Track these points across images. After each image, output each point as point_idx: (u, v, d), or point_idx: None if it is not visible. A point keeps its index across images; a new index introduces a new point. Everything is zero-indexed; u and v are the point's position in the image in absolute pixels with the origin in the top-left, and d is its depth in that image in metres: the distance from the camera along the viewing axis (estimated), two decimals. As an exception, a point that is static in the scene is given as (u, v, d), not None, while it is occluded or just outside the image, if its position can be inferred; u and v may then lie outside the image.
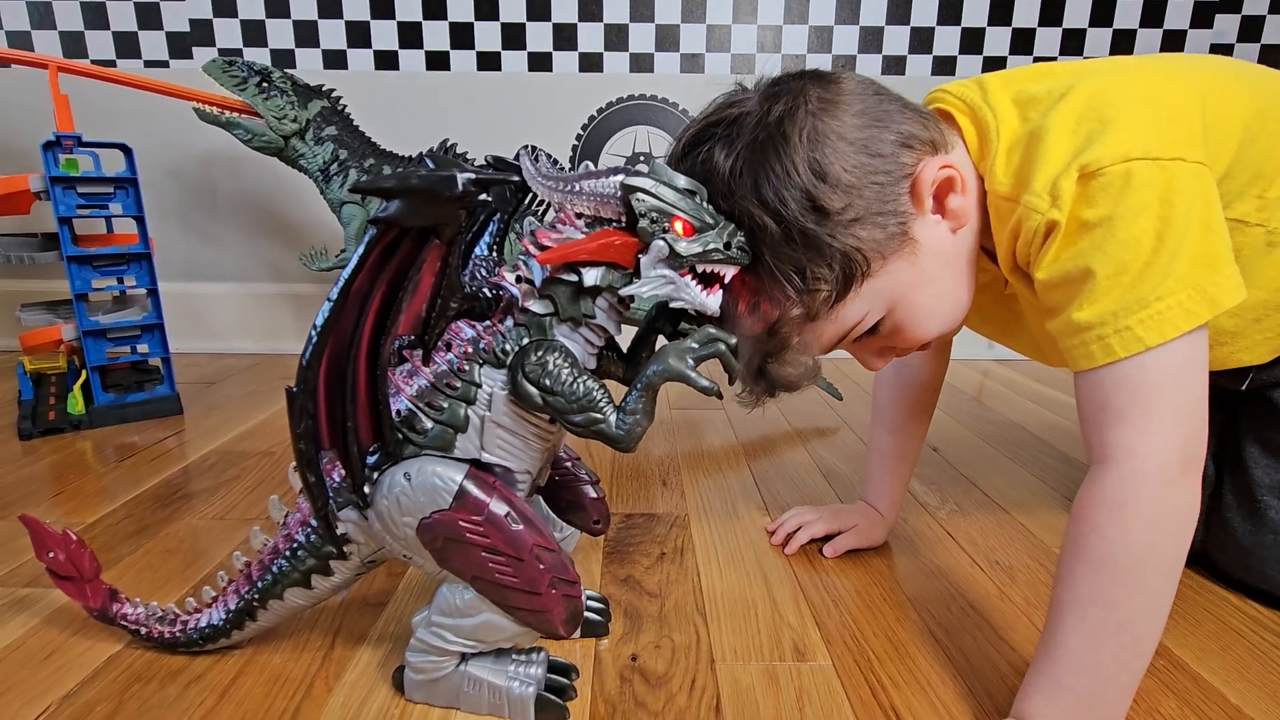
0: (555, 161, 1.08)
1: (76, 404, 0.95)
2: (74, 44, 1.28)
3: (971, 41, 1.31)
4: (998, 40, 1.31)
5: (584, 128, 1.34)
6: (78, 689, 0.45)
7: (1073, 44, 1.31)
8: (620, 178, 0.38)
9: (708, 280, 0.39)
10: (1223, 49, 1.31)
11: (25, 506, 0.71)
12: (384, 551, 0.43)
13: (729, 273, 0.40)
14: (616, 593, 0.57)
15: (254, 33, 1.29)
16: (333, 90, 1.04)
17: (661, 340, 0.45)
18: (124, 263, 0.97)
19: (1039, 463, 0.87)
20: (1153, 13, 1.30)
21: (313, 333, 0.36)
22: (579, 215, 0.39)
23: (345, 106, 1.05)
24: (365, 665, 0.48)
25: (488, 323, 0.41)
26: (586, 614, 0.51)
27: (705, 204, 0.39)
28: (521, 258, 0.40)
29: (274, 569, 0.45)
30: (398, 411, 0.40)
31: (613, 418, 0.38)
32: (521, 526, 0.39)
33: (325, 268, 1.04)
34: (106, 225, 1.05)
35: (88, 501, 0.73)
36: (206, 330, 1.40)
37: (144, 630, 0.48)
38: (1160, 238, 0.37)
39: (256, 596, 0.45)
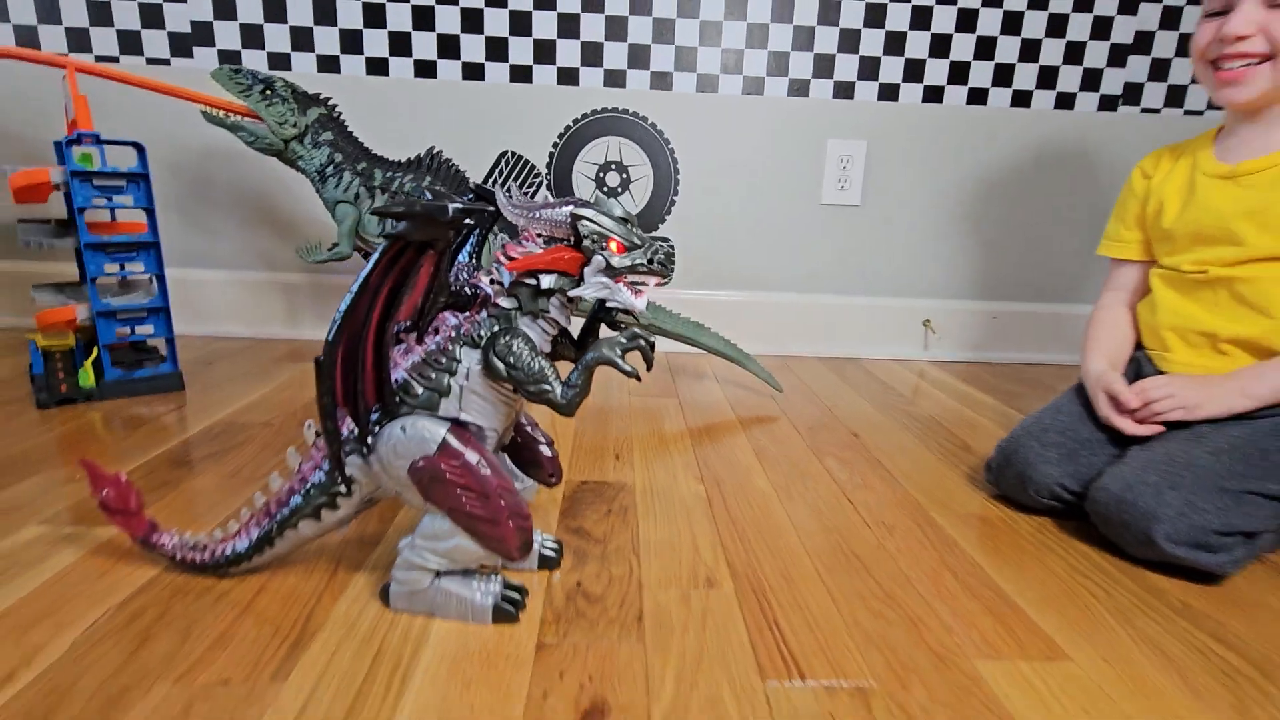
0: (535, 174, 1.19)
1: (88, 378, 1.04)
2: (79, 39, 1.36)
3: (913, 72, 1.45)
4: (936, 72, 1.45)
5: (560, 136, 1.46)
6: (130, 598, 0.56)
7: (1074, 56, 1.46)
8: (570, 208, 0.50)
9: (636, 286, 0.51)
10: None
11: (54, 466, 0.81)
12: (380, 491, 0.55)
13: (652, 281, 0.52)
14: (569, 539, 0.69)
15: (252, 36, 1.38)
16: (330, 99, 1.14)
17: (604, 330, 0.57)
18: (134, 250, 1.06)
19: (942, 448, 1.01)
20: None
21: (337, 316, 0.47)
22: (539, 235, 0.51)
23: (341, 114, 1.15)
24: (362, 586, 0.59)
25: (467, 314, 0.53)
26: (544, 551, 0.64)
27: (635, 229, 0.51)
28: (495, 265, 0.52)
29: (290, 504, 0.56)
30: (396, 380, 0.52)
31: (558, 388, 0.51)
32: (489, 472, 0.51)
33: (319, 260, 1.14)
34: (111, 215, 1.14)
35: (109, 462, 0.83)
36: (200, 313, 1.49)
37: (179, 555, 0.59)
38: None
39: (275, 527, 0.57)
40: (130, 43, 1.37)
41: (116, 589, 0.58)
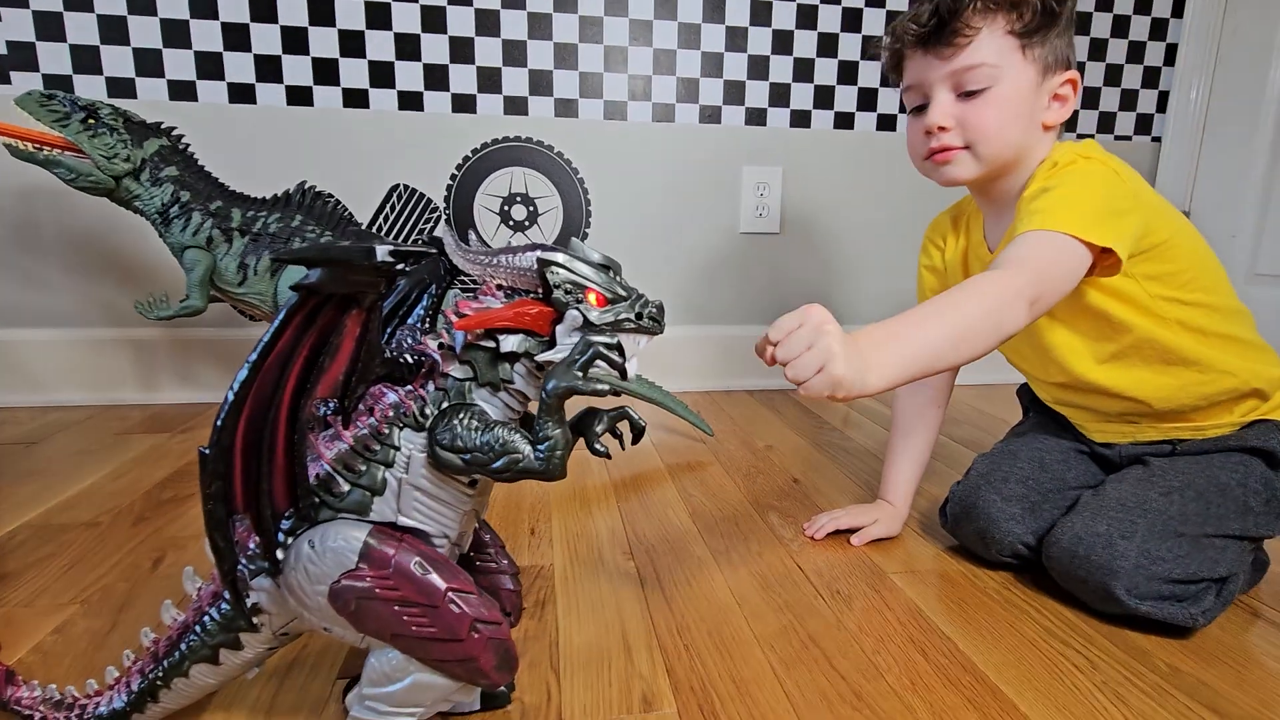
0: (432, 210, 1.05)
1: None
2: None
3: (823, 99, 1.43)
4: (845, 98, 1.44)
5: (458, 168, 1.34)
6: None
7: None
8: (537, 253, 0.40)
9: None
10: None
11: None
12: (298, 623, 0.41)
13: (641, 340, 0.42)
14: (472, 655, 0.56)
15: (87, 59, 1.19)
16: (173, 128, 0.97)
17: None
18: (-86, 314, 0.85)
19: (885, 489, 0.95)
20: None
21: (229, 394, 0.35)
22: (499, 286, 0.41)
23: (188, 145, 0.98)
24: (184, 766, 0.44)
25: (409, 387, 0.41)
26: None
27: (618, 278, 0.41)
28: (443, 325, 0.41)
29: (182, 646, 0.42)
30: (316, 475, 0.39)
31: (529, 451, 0.39)
32: (432, 573, 0.38)
33: (165, 316, 0.96)
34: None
35: None
36: (29, 382, 1.26)
37: (37, 717, 0.43)
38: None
39: (160, 675, 0.42)
40: (-73, 65, 1.15)
41: None
